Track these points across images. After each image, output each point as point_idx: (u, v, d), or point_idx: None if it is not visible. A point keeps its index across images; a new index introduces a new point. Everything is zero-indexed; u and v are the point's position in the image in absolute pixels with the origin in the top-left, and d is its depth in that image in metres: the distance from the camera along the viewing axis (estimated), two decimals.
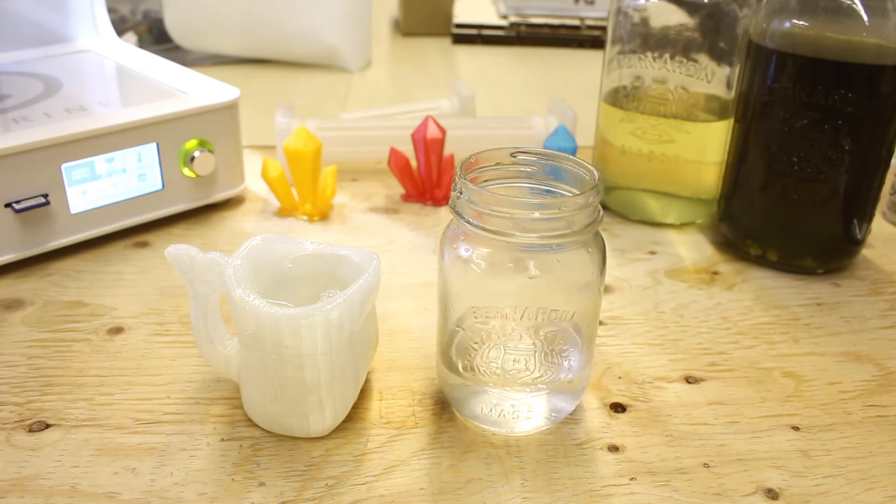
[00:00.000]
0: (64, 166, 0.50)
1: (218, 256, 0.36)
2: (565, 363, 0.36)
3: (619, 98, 0.59)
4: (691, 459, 0.37)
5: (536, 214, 0.32)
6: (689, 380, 0.42)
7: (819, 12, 0.48)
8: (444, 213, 0.61)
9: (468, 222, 0.33)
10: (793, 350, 0.45)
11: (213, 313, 0.37)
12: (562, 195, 0.36)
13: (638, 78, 0.57)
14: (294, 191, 0.60)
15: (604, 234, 0.40)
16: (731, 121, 0.55)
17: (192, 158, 0.55)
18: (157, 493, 0.34)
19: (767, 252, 0.54)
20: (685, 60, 0.55)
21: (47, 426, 0.37)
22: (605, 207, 0.58)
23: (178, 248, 0.36)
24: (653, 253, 0.56)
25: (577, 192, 0.34)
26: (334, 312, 0.34)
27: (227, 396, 0.40)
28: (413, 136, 0.60)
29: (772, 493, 0.35)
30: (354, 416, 0.39)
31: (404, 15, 1.27)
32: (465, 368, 0.37)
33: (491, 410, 0.37)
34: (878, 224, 0.56)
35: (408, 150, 0.63)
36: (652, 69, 0.56)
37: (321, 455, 0.36)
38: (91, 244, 0.54)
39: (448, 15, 1.26)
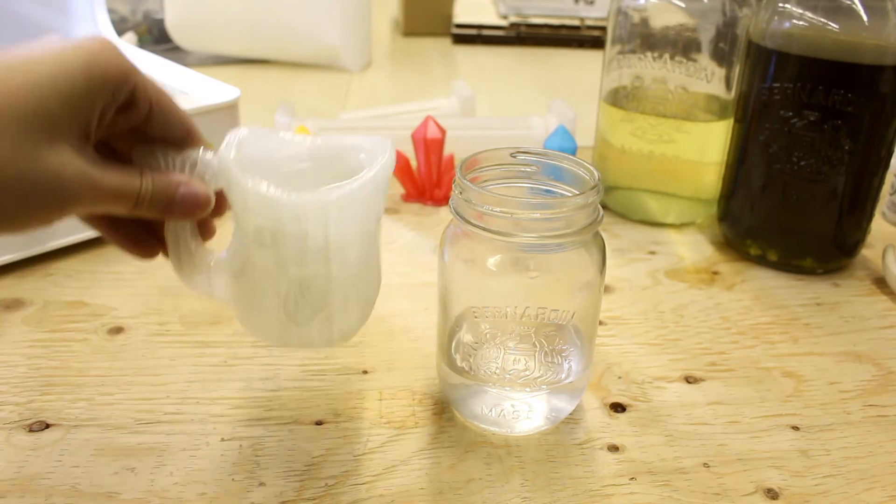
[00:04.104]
0: None
1: (198, 151, 0.32)
2: (565, 363, 0.36)
3: (619, 98, 0.59)
4: (691, 459, 0.37)
5: (536, 214, 0.32)
6: (689, 380, 0.42)
7: (819, 13, 0.48)
8: (444, 213, 0.61)
9: (468, 222, 0.33)
10: (793, 350, 0.45)
11: (185, 226, 0.33)
12: (562, 195, 0.36)
13: (638, 78, 0.57)
14: None
15: (604, 234, 0.40)
16: (731, 121, 0.55)
17: None
18: (157, 493, 0.34)
19: (767, 252, 0.54)
20: (685, 60, 0.55)
21: (47, 426, 0.37)
22: (605, 207, 0.58)
23: (144, 147, 0.31)
24: (653, 253, 0.56)
25: (577, 192, 0.34)
26: (363, 192, 0.30)
27: (228, 396, 0.40)
28: (413, 136, 0.60)
29: (772, 493, 0.35)
30: (354, 416, 0.39)
31: (404, 15, 1.27)
32: (465, 368, 0.37)
33: (491, 410, 0.37)
34: (878, 224, 0.56)
35: (408, 150, 0.63)
36: (652, 69, 0.56)
37: (321, 455, 0.36)
38: (91, 244, 0.54)
39: (448, 15, 1.26)
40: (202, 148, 0.32)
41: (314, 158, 0.33)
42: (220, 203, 0.33)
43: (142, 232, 0.33)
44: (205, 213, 0.31)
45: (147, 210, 0.29)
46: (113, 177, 0.28)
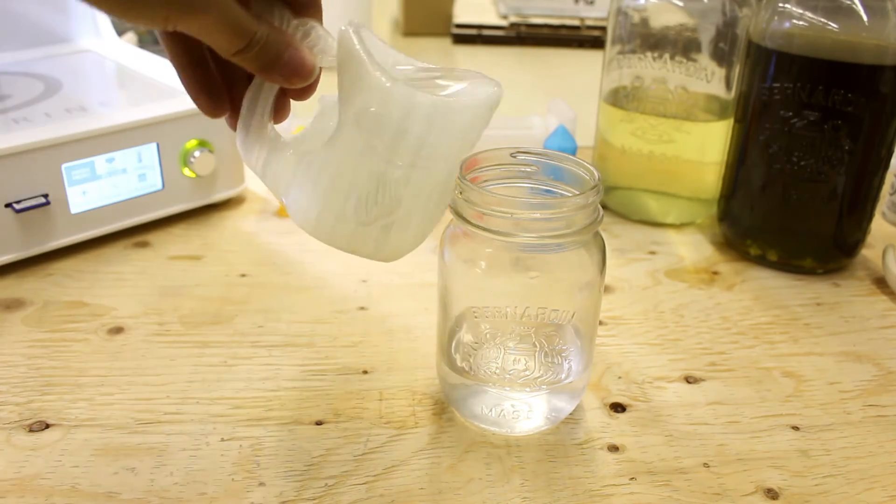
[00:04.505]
0: (64, 166, 0.50)
1: (315, 23, 0.31)
2: (565, 363, 0.36)
3: (619, 98, 0.59)
4: (691, 459, 0.37)
5: (536, 214, 0.32)
6: (689, 380, 0.42)
7: (819, 13, 0.48)
8: (444, 213, 0.61)
9: (468, 222, 0.33)
10: (793, 350, 0.45)
11: (270, 94, 0.32)
12: (562, 195, 0.36)
13: (638, 78, 0.57)
14: None
15: (604, 234, 0.40)
16: (731, 121, 0.55)
17: (192, 158, 0.55)
18: (157, 493, 0.34)
19: (767, 252, 0.54)
20: (685, 60, 0.55)
21: (47, 426, 0.37)
22: (605, 207, 0.58)
23: (264, 3, 0.30)
24: (653, 253, 0.56)
25: (577, 192, 0.34)
26: (471, 112, 0.30)
27: (228, 396, 0.40)
28: None
29: (772, 493, 0.35)
30: (354, 416, 0.39)
31: (404, 15, 1.27)
32: (465, 368, 0.37)
33: (491, 410, 0.37)
34: (878, 224, 0.56)
35: None
36: (652, 69, 0.56)
37: (321, 455, 0.36)
38: (91, 244, 0.54)
39: (448, 15, 1.26)
40: (319, 22, 0.31)
41: (423, 76, 0.32)
42: (312, 86, 0.32)
43: (219, 86, 0.33)
44: (303, 82, 0.30)
45: (252, 59, 0.29)
46: (239, 10, 0.28)
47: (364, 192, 0.30)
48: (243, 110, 0.32)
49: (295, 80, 0.30)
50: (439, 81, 0.32)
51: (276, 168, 0.32)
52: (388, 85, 0.28)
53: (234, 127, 0.33)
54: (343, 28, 0.30)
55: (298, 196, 0.31)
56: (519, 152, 0.37)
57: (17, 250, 0.50)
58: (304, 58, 0.30)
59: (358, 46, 0.29)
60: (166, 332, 0.45)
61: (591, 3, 1.25)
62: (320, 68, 0.32)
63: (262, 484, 0.34)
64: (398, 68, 0.32)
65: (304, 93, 0.33)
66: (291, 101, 0.34)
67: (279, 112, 0.34)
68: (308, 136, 0.33)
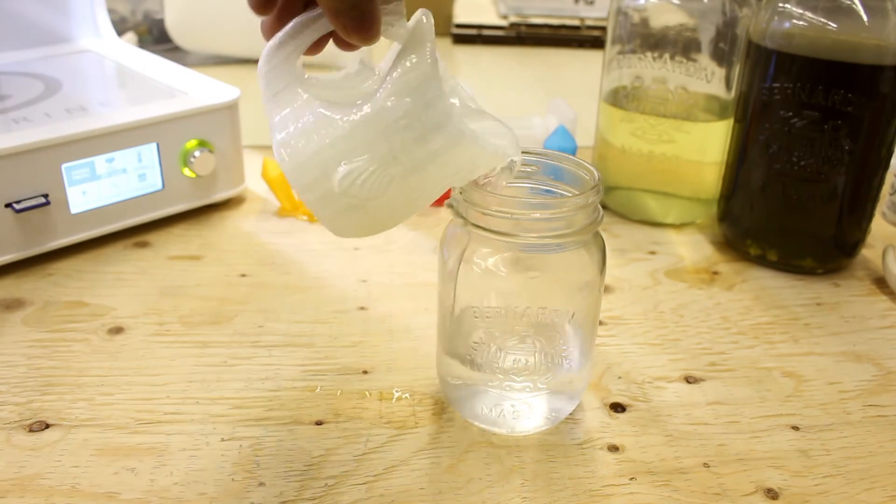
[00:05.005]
0: (64, 166, 0.50)
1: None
2: (565, 363, 0.36)
3: (619, 98, 0.59)
4: (691, 459, 0.37)
5: (536, 214, 0.32)
6: (689, 380, 0.42)
7: (819, 13, 0.48)
8: (444, 213, 0.61)
9: (468, 222, 0.33)
10: (793, 350, 0.45)
11: (320, 30, 0.31)
12: (562, 195, 0.36)
13: (638, 78, 0.57)
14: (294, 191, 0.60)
15: (604, 234, 0.40)
16: (731, 121, 0.55)
17: (192, 158, 0.55)
18: (157, 493, 0.34)
19: (767, 252, 0.54)
20: (685, 60, 0.55)
21: (47, 426, 0.37)
22: (605, 207, 0.58)
23: None
24: (653, 253, 0.56)
25: (577, 192, 0.34)
26: (490, 157, 0.31)
27: (228, 396, 0.40)
28: None
29: (772, 493, 0.35)
30: (354, 416, 0.39)
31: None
32: (465, 368, 0.37)
33: (491, 410, 0.37)
34: (878, 224, 0.56)
35: None
36: (652, 69, 0.56)
37: (321, 455, 0.36)
38: (91, 244, 0.54)
39: (448, 15, 1.26)
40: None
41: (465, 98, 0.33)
42: (350, 46, 0.32)
43: None
44: (359, 40, 0.30)
45: None
46: None
47: (360, 168, 0.30)
48: (287, 30, 0.31)
49: (354, 35, 0.30)
50: (473, 113, 0.33)
51: (288, 98, 0.32)
52: (445, 99, 0.29)
53: (267, 36, 0.32)
54: (422, 16, 0.30)
55: (297, 136, 0.31)
56: None
57: (17, 250, 0.50)
58: (374, 21, 0.29)
59: (431, 43, 0.29)
60: (166, 332, 0.45)
61: (591, 3, 1.25)
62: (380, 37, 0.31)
63: (262, 484, 0.34)
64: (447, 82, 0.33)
65: (350, 47, 0.32)
66: (328, 47, 0.32)
67: (316, 46, 0.32)
68: (331, 86, 0.32)
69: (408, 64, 0.29)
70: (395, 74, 0.29)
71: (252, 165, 0.65)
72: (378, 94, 0.29)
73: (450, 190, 0.34)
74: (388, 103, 0.29)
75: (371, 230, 0.32)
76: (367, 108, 0.30)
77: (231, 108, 0.58)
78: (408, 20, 0.31)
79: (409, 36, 0.30)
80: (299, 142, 0.31)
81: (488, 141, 0.31)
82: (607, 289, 0.51)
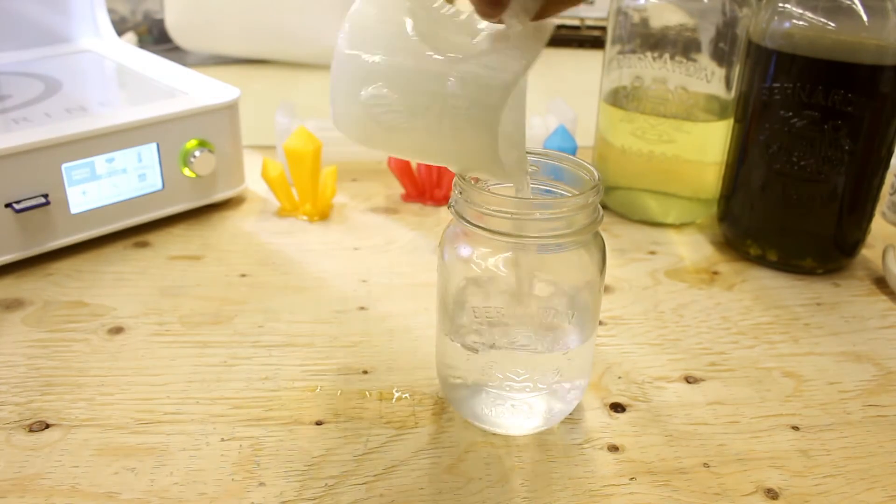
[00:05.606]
0: (64, 166, 0.50)
1: None
2: (565, 363, 0.36)
3: (619, 98, 0.59)
4: (691, 459, 0.37)
5: (536, 214, 0.32)
6: (689, 380, 0.42)
7: (819, 13, 0.48)
8: (444, 213, 0.61)
9: (468, 222, 0.33)
10: (793, 350, 0.45)
11: None
12: (562, 195, 0.36)
13: (638, 78, 0.57)
14: (294, 191, 0.60)
15: (604, 234, 0.40)
16: (731, 121, 0.56)
17: (193, 158, 0.55)
18: (157, 493, 0.34)
19: (767, 252, 0.54)
20: (685, 60, 0.55)
21: (47, 426, 0.37)
22: (605, 207, 0.58)
23: None
24: (653, 253, 0.56)
25: (577, 192, 0.34)
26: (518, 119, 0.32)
27: (228, 396, 0.40)
28: None
29: (772, 493, 0.35)
30: (354, 416, 0.39)
31: None
32: (465, 368, 0.37)
33: (491, 410, 0.37)
34: (878, 224, 0.56)
35: None
36: (652, 69, 0.56)
37: (321, 455, 0.36)
38: (91, 244, 0.54)
39: None
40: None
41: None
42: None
43: None
44: (480, 6, 0.29)
45: None
46: None
47: (389, 101, 0.29)
48: None
49: (478, 2, 0.29)
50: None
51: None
52: (503, 110, 0.28)
53: None
54: (548, 24, 0.29)
55: (371, 26, 0.30)
56: None
57: (17, 250, 0.50)
58: (501, 3, 0.28)
59: (537, 52, 0.28)
60: (166, 332, 0.45)
61: (591, 3, 1.25)
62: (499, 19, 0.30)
63: (262, 484, 0.34)
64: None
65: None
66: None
67: None
68: (440, 18, 0.31)
69: (503, 57, 0.28)
70: (485, 60, 0.28)
71: (252, 165, 0.65)
72: (457, 61, 0.29)
73: (450, 189, 0.34)
74: (457, 79, 0.28)
75: (364, 143, 0.32)
76: (438, 64, 0.29)
77: (231, 108, 0.58)
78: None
79: (526, 32, 0.29)
80: (366, 34, 0.30)
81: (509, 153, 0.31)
82: (607, 289, 0.51)
